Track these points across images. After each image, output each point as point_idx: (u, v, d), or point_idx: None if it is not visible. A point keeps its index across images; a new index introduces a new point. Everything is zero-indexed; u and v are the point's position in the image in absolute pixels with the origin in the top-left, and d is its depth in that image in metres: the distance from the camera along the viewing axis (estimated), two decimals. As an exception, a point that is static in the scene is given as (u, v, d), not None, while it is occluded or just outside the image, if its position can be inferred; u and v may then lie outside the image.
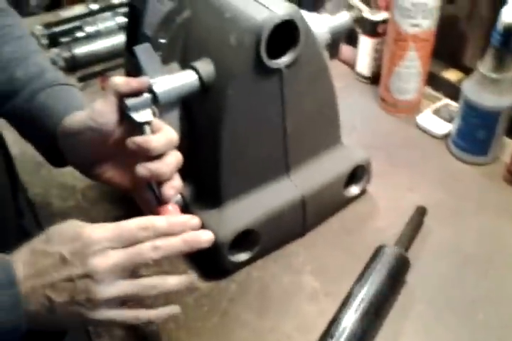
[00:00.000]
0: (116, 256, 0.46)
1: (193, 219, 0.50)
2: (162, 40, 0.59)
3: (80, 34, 1.02)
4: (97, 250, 0.46)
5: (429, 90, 0.95)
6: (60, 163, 0.62)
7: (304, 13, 0.61)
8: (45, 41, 1.04)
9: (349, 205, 0.77)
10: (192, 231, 0.49)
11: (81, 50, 0.97)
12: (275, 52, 0.57)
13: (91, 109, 0.54)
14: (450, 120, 0.86)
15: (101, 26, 1.02)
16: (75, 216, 0.77)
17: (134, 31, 0.68)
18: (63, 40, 1.02)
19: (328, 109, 0.67)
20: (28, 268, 0.46)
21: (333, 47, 0.68)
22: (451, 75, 0.93)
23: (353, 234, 0.73)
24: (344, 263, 0.69)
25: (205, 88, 0.57)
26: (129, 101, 0.53)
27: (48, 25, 1.04)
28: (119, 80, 0.53)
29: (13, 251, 0.48)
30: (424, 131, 0.89)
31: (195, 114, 0.61)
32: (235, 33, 0.54)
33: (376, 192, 0.78)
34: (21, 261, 0.47)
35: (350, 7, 0.96)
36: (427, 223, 0.73)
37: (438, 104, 0.92)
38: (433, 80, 0.94)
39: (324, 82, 0.63)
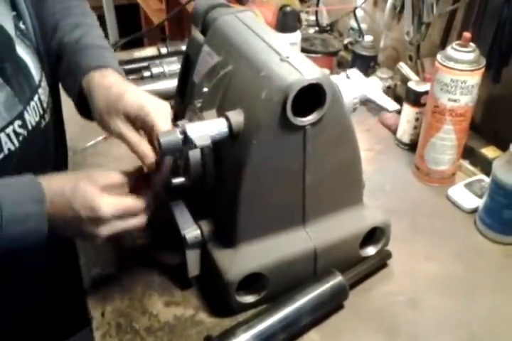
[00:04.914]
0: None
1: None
2: (205, 89, 0.65)
3: (146, 73, 1.11)
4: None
5: (467, 164, 0.96)
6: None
7: (337, 78, 0.66)
8: (114, 76, 1.14)
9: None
10: None
11: (143, 87, 1.06)
12: (303, 111, 0.61)
13: None
14: (481, 195, 0.87)
15: (166, 69, 1.11)
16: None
17: (185, 77, 0.75)
18: (131, 77, 1.12)
19: (351, 170, 0.70)
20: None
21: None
22: (490, 152, 0.94)
23: (360, 295, 0.74)
24: (348, 325, 0.70)
25: (233, 135, 0.62)
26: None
27: (119, 63, 1.14)
28: None
29: None
30: (453, 204, 0.90)
31: (224, 157, 0.66)
32: (267, 89, 0.59)
33: (393, 257, 0.78)
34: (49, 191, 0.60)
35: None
36: (438, 295, 0.73)
37: (472, 179, 0.93)
38: (471, 155, 0.96)
39: (348, 143, 0.67)
